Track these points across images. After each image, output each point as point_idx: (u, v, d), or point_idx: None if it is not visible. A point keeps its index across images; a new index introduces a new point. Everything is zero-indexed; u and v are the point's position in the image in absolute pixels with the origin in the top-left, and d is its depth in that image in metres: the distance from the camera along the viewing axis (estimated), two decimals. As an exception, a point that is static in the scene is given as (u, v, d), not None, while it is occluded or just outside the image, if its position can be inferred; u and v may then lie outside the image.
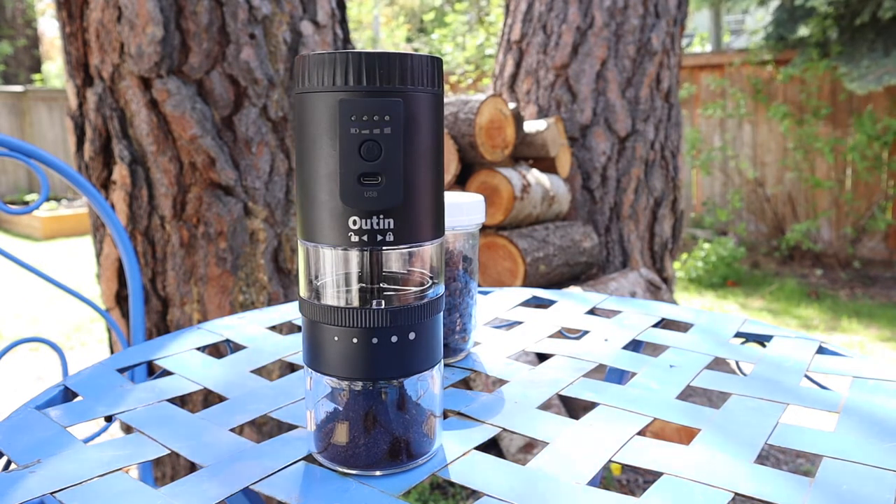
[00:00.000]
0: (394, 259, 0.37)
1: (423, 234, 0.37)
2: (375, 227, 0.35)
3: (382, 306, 0.36)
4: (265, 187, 1.45)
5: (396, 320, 0.36)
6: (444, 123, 0.40)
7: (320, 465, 0.39)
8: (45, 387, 0.57)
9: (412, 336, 0.37)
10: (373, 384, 0.37)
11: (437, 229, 0.38)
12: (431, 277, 0.38)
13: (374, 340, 0.36)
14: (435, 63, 0.36)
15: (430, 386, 0.39)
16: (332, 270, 0.37)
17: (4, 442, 0.43)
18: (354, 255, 0.36)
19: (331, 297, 0.37)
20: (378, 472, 0.38)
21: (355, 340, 0.36)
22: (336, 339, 0.37)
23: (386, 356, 0.37)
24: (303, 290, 0.38)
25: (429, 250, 0.38)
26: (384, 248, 0.36)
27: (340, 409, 0.38)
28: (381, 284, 0.36)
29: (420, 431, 0.39)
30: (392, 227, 0.35)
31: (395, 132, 0.34)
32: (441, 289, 0.39)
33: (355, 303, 0.36)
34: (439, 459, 0.40)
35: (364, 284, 0.36)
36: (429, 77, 0.36)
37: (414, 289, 0.37)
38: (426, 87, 0.36)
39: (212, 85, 1.39)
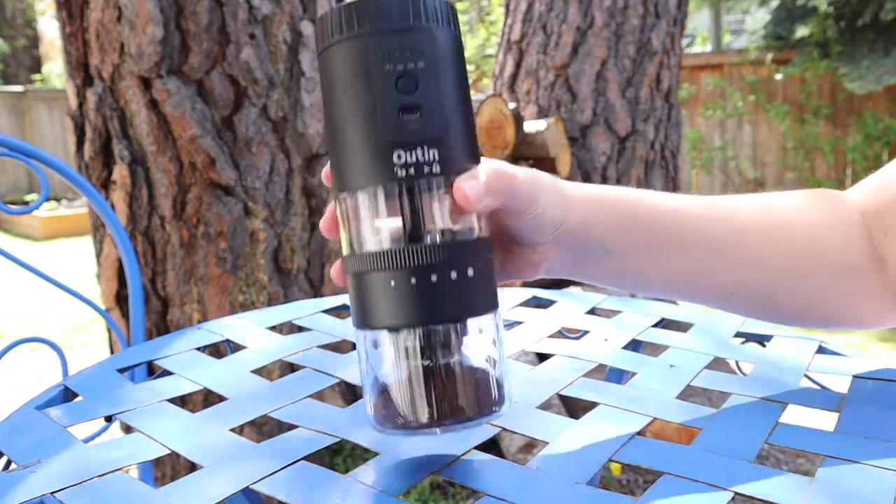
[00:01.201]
0: (441, 196, 0.36)
1: (464, 164, 0.37)
2: (421, 158, 0.35)
3: (438, 241, 0.35)
4: (265, 187, 1.45)
5: (454, 254, 0.35)
6: (466, 65, 0.40)
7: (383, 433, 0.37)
8: (45, 387, 0.57)
9: (471, 273, 0.36)
10: (435, 329, 0.35)
11: (476, 160, 0.38)
12: (483, 218, 0.38)
13: (434, 278, 0.35)
14: (449, 7, 0.37)
15: (492, 334, 0.37)
16: (383, 213, 0.35)
17: (4, 442, 0.43)
18: (407, 190, 0.35)
19: (383, 242, 0.35)
20: (438, 432, 0.36)
21: (414, 281, 0.35)
22: (393, 283, 0.35)
23: (447, 294, 0.35)
24: (345, 248, 0.37)
25: None
26: (432, 179, 0.35)
27: (402, 365, 0.36)
28: (439, 220, 0.36)
29: (483, 387, 0.37)
30: (437, 157, 0.35)
31: (428, 65, 0.35)
32: (488, 228, 0.38)
33: (409, 242, 0.35)
34: (438, 457, 0.40)
35: (417, 222, 0.35)
36: (447, 18, 0.37)
37: (466, 224, 0.37)
38: (447, 27, 0.36)
39: (212, 85, 1.39)
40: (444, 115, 0.36)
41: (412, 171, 0.35)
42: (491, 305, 0.37)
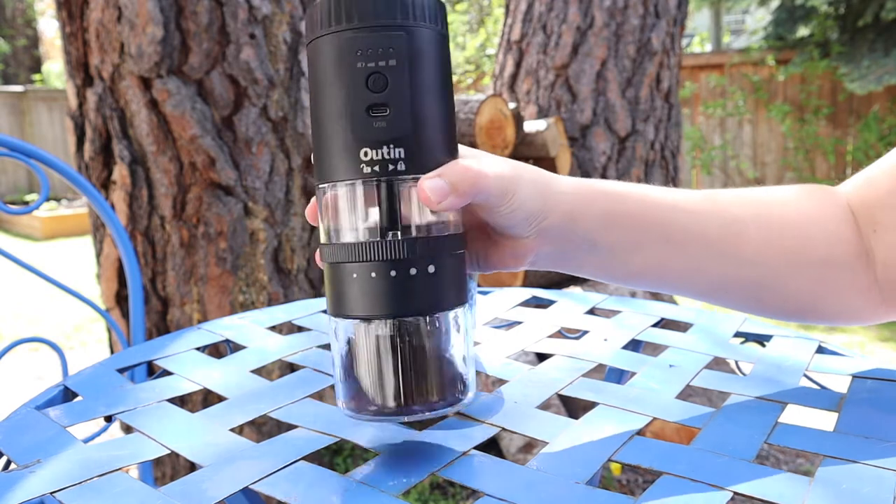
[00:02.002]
0: (411, 193, 0.37)
1: (435, 163, 0.37)
2: (386, 156, 0.36)
3: (399, 237, 0.36)
4: (265, 187, 1.45)
5: (414, 251, 0.36)
6: (451, 64, 0.40)
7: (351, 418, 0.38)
8: (45, 387, 0.57)
9: (432, 269, 0.37)
10: (395, 322, 0.36)
11: (450, 158, 0.38)
12: (453, 214, 0.38)
13: (393, 273, 0.36)
14: (437, 4, 0.37)
15: (456, 326, 0.38)
16: (351, 206, 0.37)
17: (4, 442, 0.43)
18: (369, 188, 0.36)
19: (348, 235, 0.37)
20: (406, 419, 0.37)
21: (374, 275, 0.36)
22: (355, 276, 0.36)
23: (406, 290, 0.36)
24: (322, 237, 0.38)
25: None
26: (396, 177, 0.36)
27: (365, 353, 0.37)
28: (401, 216, 0.36)
29: (449, 376, 0.38)
30: (403, 156, 0.36)
31: (399, 64, 0.35)
32: (461, 226, 0.39)
33: (373, 237, 0.36)
34: (438, 457, 0.40)
35: (384, 217, 0.36)
36: (431, 16, 0.37)
37: (432, 221, 0.37)
38: (430, 24, 0.37)
39: (212, 85, 1.39)
40: (412, 114, 0.36)
41: (377, 168, 0.36)
42: (458, 300, 0.38)
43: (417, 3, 0.36)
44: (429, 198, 0.36)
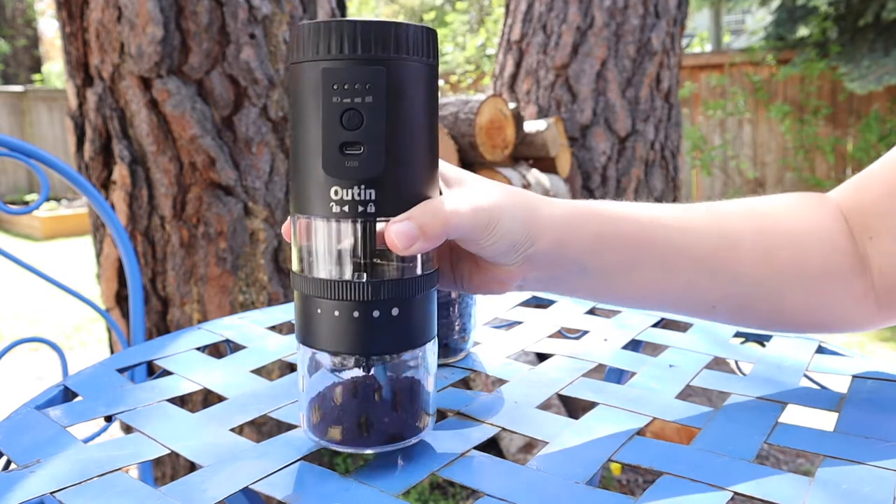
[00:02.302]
0: (376, 235, 0.36)
1: (409, 206, 0.36)
2: (357, 197, 0.34)
3: (364, 279, 0.35)
4: (265, 187, 1.45)
5: (379, 294, 0.35)
6: (438, 95, 0.39)
7: (312, 440, 0.39)
8: (45, 387, 0.57)
9: (395, 312, 0.36)
10: (360, 360, 0.37)
11: (426, 198, 0.37)
12: (425, 253, 0.37)
13: (356, 314, 0.35)
14: (426, 33, 0.35)
15: (421, 365, 0.38)
16: (319, 243, 0.36)
17: (4, 442, 0.43)
18: (341, 227, 0.35)
19: (316, 270, 0.36)
20: (368, 451, 0.38)
21: (337, 314, 0.36)
22: (319, 311, 0.36)
23: (369, 331, 0.36)
24: (294, 265, 0.38)
25: None
26: (366, 219, 0.35)
27: (329, 384, 0.38)
28: (369, 258, 0.36)
29: (409, 411, 0.38)
30: (374, 197, 0.35)
31: (377, 101, 0.34)
32: (434, 265, 0.38)
33: (339, 275, 0.36)
34: (438, 457, 0.40)
35: (351, 258, 0.36)
36: (418, 47, 0.35)
37: (400, 263, 0.36)
38: (415, 56, 0.35)
39: (212, 85, 1.39)
40: (387, 154, 0.34)
41: (346, 209, 0.35)
42: (423, 339, 0.38)
43: (403, 34, 0.34)
44: (395, 244, 0.35)
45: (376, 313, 0.36)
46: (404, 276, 0.36)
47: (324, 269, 0.36)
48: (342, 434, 0.38)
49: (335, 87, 0.34)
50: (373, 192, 0.35)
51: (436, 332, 0.39)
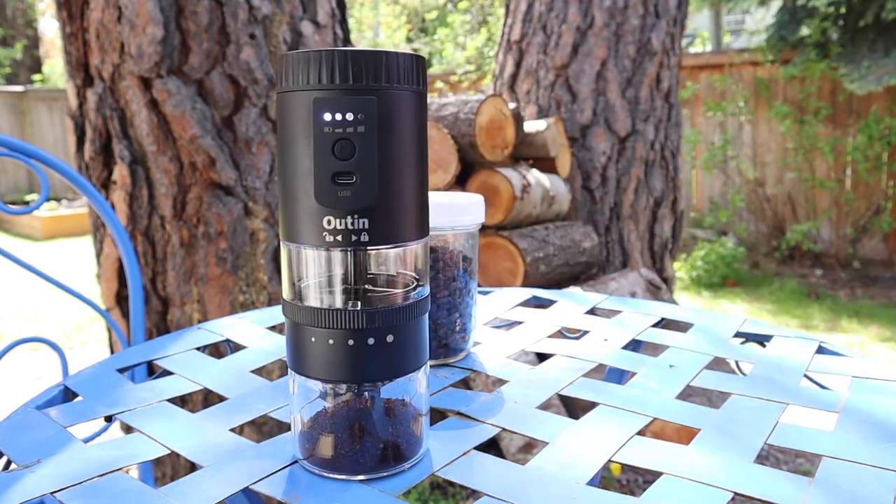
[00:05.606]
0: (378, 260, 0.36)
1: (402, 234, 0.36)
2: (350, 227, 0.35)
3: (359, 308, 0.36)
4: (265, 187, 1.45)
5: (373, 322, 0.36)
6: (427, 122, 0.39)
7: (306, 470, 0.39)
8: (45, 387, 0.57)
9: (390, 339, 0.36)
10: (353, 387, 0.37)
11: (420, 230, 0.37)
12: (416, 279, 0.38)
13: (351, 342, 0.36)
14: (415, 61, 0.35)
15: (413, 390, 0.39)
16: (312, 271, 0.36)
17: (4, 442, 0.43)
18: (333, 255, 0.35)
19: (309, 299, 0.36)
20: (362, 477, 0.38)
21: (331, 342, 0.36)
22: (313, 340, 0.36)
23: (363, 359, 0.36)
24: (285, 292, 0.38)
25: (411, 251, 0.37)
26: (359, 248, 0.35)
27: (323, 412, 0.38)
28: (362, 286, 0.36)
29: (403, 436, 0.38)
30: (367, 227, 0.35)
31: (369, 130, 0.34)
32: (425, 291, 0.38)
33: (332, 304, 0.36)
34: (430, 463, 0.40)
35: (343, 286, 0.36)
36: (408, 75, 0.35)
37: (394, 290, 0.37)
38: (405, 84, 0.35)
39: (212, 85, 1.39)
40: (379, 184, 0.35)
41: (339, 238, 0.35)
42: (416, 364, 0.38)
43: (392, 63, 0.34)
44: None
45: (371, 340, 0.36)
46: (397, 303, 0.37)
47: (317, 298, 0.36)
48: (336, 462, 0.38)
49: (326, 116, 0.34)
50: (366, 221, 0.35)
51: (428, 356, 0.40)
